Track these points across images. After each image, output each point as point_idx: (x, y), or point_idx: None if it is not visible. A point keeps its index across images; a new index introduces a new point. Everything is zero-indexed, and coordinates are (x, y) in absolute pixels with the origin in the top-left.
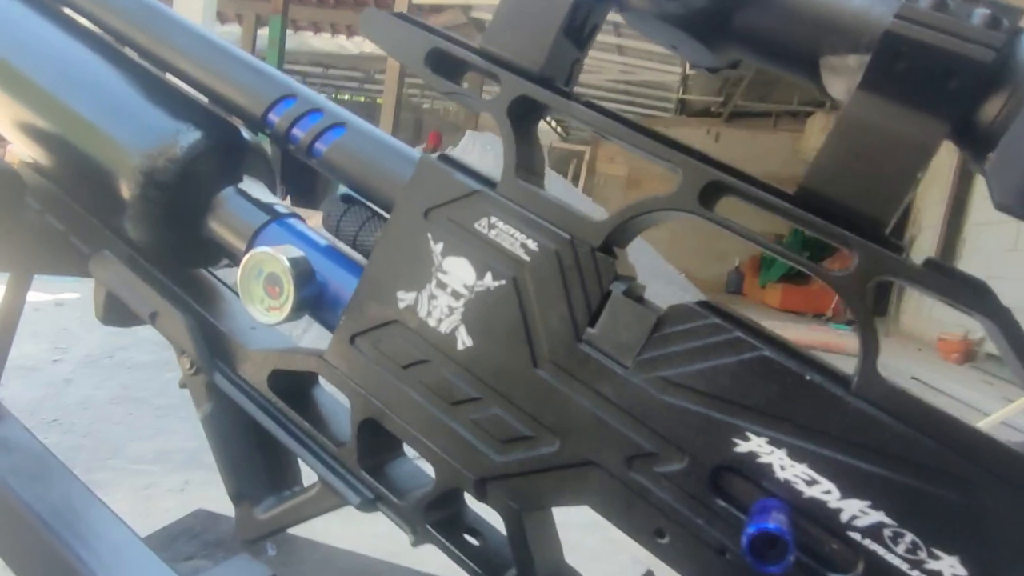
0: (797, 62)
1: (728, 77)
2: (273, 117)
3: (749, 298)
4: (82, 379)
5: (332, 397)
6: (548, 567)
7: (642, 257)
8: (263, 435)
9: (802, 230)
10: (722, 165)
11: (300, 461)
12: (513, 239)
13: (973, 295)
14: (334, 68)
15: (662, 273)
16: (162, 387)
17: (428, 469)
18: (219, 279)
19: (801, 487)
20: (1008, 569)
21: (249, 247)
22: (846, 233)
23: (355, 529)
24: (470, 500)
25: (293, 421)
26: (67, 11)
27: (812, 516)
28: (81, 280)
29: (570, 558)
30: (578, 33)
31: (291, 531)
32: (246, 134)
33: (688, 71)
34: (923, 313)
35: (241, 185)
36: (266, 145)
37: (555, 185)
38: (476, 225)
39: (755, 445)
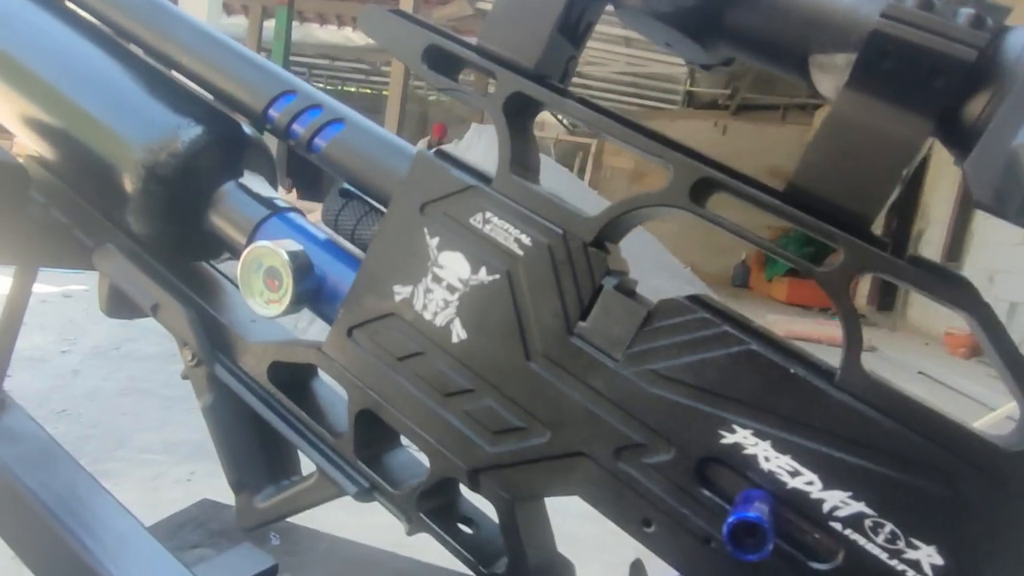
0: (787, 60)
1: (734, 70)
2: (273, 113)
3: (755, 291)
4: (90, 370)
5: (330, 389)
6: (540, 556)
7: (648, 251)
8: (263, 426)
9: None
10: (713, 162)
11: (299, 451)
12: (507, 234)
13: (955, 290)
14: (340, 60)
15: (668, 267)
16: (169, 378)
17: (424, 460)
18: (220, 272)
19: (785, 478)
20: (983, 558)
21: (249, 241)
22: (832, 229)
23: (358, 519)
24: (465, 490)
25: (292, 412)
26: (71, 6)
27: (795, 506)
28: (88, 272)
29: (572, 549)
30: (573, 30)
31: (294, 521)
32: (247, 129)
33: None
34: (930, 307)
35: (242, 180)
36: (271, 141)
37: (560, 179)
38: (471, 220)
39: (741, 437)
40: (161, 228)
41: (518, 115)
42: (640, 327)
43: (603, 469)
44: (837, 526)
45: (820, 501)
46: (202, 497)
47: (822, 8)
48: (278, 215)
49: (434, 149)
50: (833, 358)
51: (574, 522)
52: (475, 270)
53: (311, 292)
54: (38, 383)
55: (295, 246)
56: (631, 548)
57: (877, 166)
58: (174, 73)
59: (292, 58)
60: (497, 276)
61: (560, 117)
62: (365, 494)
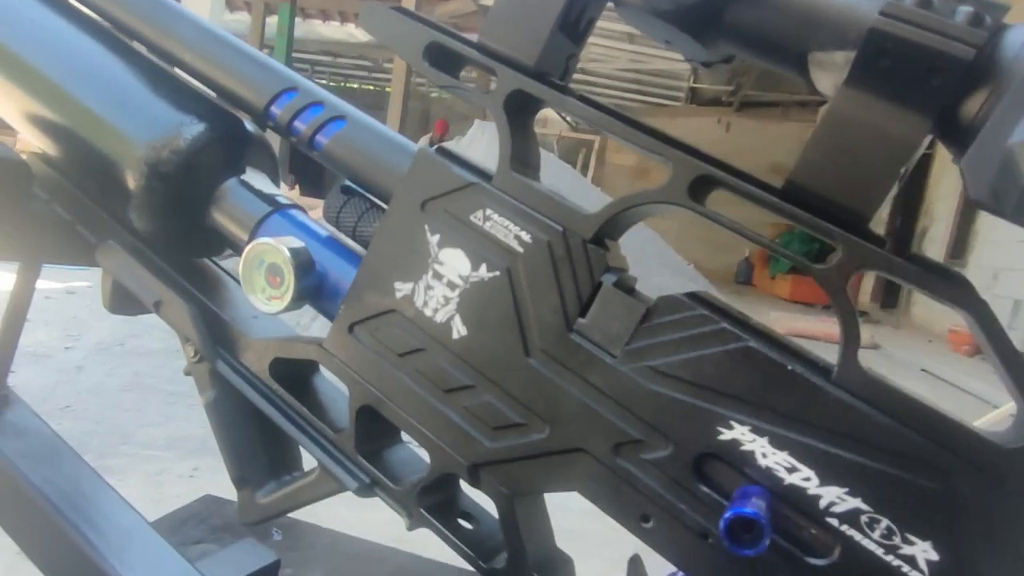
0: (786, 57)
1: (738, 67)
2: (275, 110)
3: (759, 289)
4: (93, 366)
5: (332, 385)
6: (539, 551)
7: (651, 247)
8: (265, 421)
9: None
10: (711, 159)
11: (301, 447)
12: (507, 231)
13: (953, 288)
14: (343, 57)
15: (671, 264)
16: (173, 374)
17: (424, 455)
18: (222, 268)
19: (782, 474)
20: (978, 553)
21: (251, 237)
22: (829, 226)
23: (360, 515)
24: (465, 486)
25: (293, 408)
26: (74, 3)
27: (792, 502)
28: (91, 269)
29: (573, 544)
30: (574, 28)
31: (297, 516)
32: (249, 126)
33: None
34: (934, 305)
35: (244, 176)
36: (274, 138)
37: (563, 175)
38: (472, 217)
39: (738, 433)
40: (163, 225)
41: (519, 112)
42: (639, 324)
43: (602, 465)
44: (833, 522)
45: (817, 497)
46: (205, 493)
47: (820, 6)
48: (280, 212)
49: (435, 146)
50: (836, 355)
51: (576, 518)
52: (475, 267)
53: (312, 289)
54: (42, 379)
55: (297, 243)
56: (631, 544)
57: (875, 164)
58: (176, 70)
59: (294, 55)
60: (497, 273)
61: (563, 114)
62: (366, 489)
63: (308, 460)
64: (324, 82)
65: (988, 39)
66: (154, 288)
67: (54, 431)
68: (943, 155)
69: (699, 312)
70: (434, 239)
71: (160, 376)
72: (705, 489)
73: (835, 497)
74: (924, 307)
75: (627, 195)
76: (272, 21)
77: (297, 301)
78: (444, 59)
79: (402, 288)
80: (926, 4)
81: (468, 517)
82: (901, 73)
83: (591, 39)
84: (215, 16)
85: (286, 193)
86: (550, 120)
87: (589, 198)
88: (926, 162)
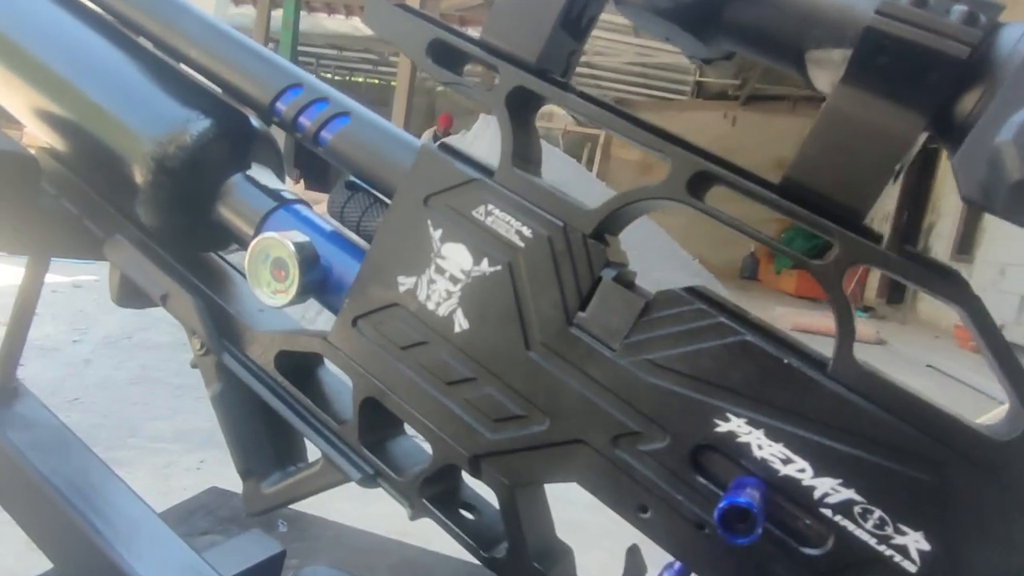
0: (785, 55)
1: (743, 61)
2: (280, 106)
3: (764, 284)
4: (101, 359)
5: (336, 377)
6: (539, 541)
7: (655, 242)
8: (270, 413)
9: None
10: (711, 155)
11: (305, 439)
12: (509, 226)
13: (947, 283)
14: (348, 50)
15: (675, 258)
16: (180, 367)
17: (426, 447)
18: (228, 262)
19: (777, 465)
20: (970, 544)
21: (257, 232)
22: (826, 222)
23: (365, 508)
24: (467, 477)
25: (298, 400)
26: None
27: (787, 493)
28: (98, 263)
29: (576, 536)
30: (575, 25)
31: (303, 509)
32: (254, 122)
33: None
34: (940, 301)
35: (249, 172)
36: (279, 132)
37: (567, 170)
38: (474, 212)
39: (735, 425)
40: (170, 219)
41: (520, 109)
42: (638, 318)
43: (600, 456)
44: (827, 512)
45: (811, 488)
46: (212, 485)
47: (818, 4)
48: (285, 207)
49: (438, 142)
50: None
51: (578, 511)
52: (477, 261)
53: (317, 283)
54: (50, 372)
55: (301, 237)
56: (633, 537)
57: (871, 161)
58: (182, 66)
59: (300, 48)
60: (499, 267)
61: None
62: (369, 480)
63: (313, 451)
64: (329, 76)
65: (983, 38)
66: (161, 282)
67: (63, 423)
68: None
69: (697, 306)
70: (437, 234)
71: (167, 369)
72: (702, 480)
73: (829, 488)
74: (930, 303)
75: (627, 191)
76: (277, 14)
77: (302, 295)
78: (447, 56)
79: (405, 282)
80: (921, 3)
81: (469, 508)
82: (897, 71)
83: (596, 32)
84: (220, 10)
85: (290, 187)
86: (555, 115)
87: (593, 193)
88: (933, 157)
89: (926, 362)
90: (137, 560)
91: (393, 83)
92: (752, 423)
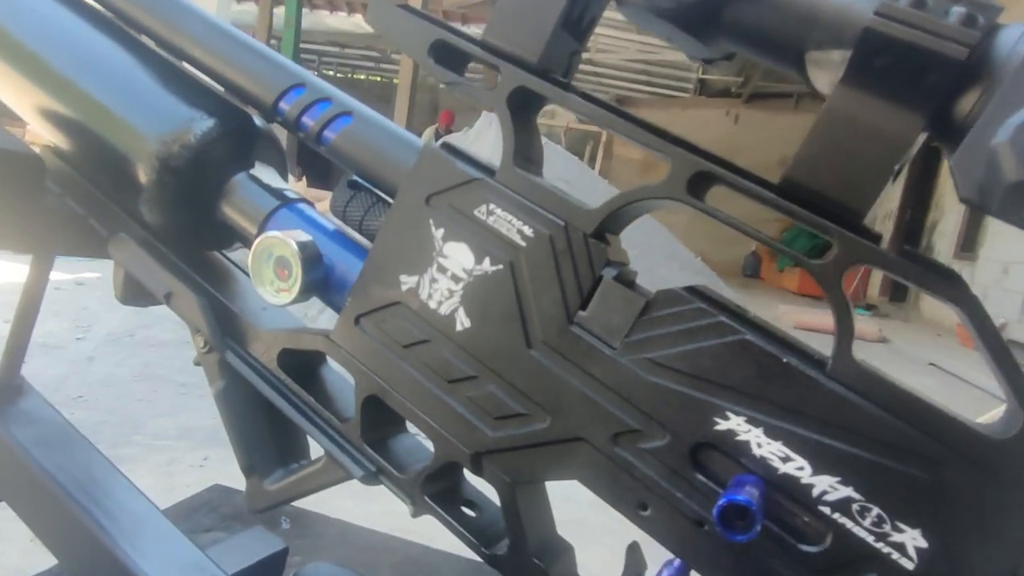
0: (785, 56)
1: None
2: (284, 105)
3: (767, 282)
4: (104, 357)
5: (338, 375)
6: (540, 538)
7: (658, 240)
8: (273, 411)
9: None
10: (710, 155)
11: (308, 436)
12: (510, 225)
13: (944, 283)
14: (350, 47)
15: (678, 256)
16: (183, 365)
17: (428, 444)
18: (231, 261)
19: (776, 463)
20: (967, 541)
21: (260, 231)
22: (825, 222)
23: (367, 506)
24: (468, 475)
25: (301, 398)
26: None
27: (785, 491)
28: (101, 260)
29: (580, 535)
30: (576, 25)
31: (306, 507)
32: (258, 121)
33: None
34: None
35: (253, 171)
36: (280, 130)
37: (570, 167)
38: (475, 212)
39: (734, 424)
40: (174, 218)
41: (522, 109)
42: (638, 316)
43: (601, 454)
44: (826, 510)
45: (810, 486)
46: (215, 482)
47: (817, 5)
48: (288, 206)
49: (440, 142)
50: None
51: (582, 510)
52: (479, 260)
53: (320, 281)
54: (53, 369)
55: (304, 236)
56: (636, 536)
57: (870, 161)
58: (185, 65)
59: (302, 45)
60: (500, 266)
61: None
62: (371, 477)
63: (315, 449)
64: (331, 73)
65: (981, 39)
66: (165, 280)
67: (67, 420)
68: None
69: (697, 305)
70: (439, 233)
71: (170, 367)
72: (701, 478)
73: (827, 486)
74: (933, 301)
75: (627, 191)
76: (279, 12)
77: (305, 293)
78: (449, 56)
79: (407, 281)
80: (920, 4)
81: (471, 505)
82: (895, 72)
83: (599, 28)
84: (222, 7)
85: (293, 185)
86: (558, 112)
87: (596, 190)
88: (937, 155)
89: (929, 360)
90: (141, 556)
91: (395, 80)
92: (751, 421)
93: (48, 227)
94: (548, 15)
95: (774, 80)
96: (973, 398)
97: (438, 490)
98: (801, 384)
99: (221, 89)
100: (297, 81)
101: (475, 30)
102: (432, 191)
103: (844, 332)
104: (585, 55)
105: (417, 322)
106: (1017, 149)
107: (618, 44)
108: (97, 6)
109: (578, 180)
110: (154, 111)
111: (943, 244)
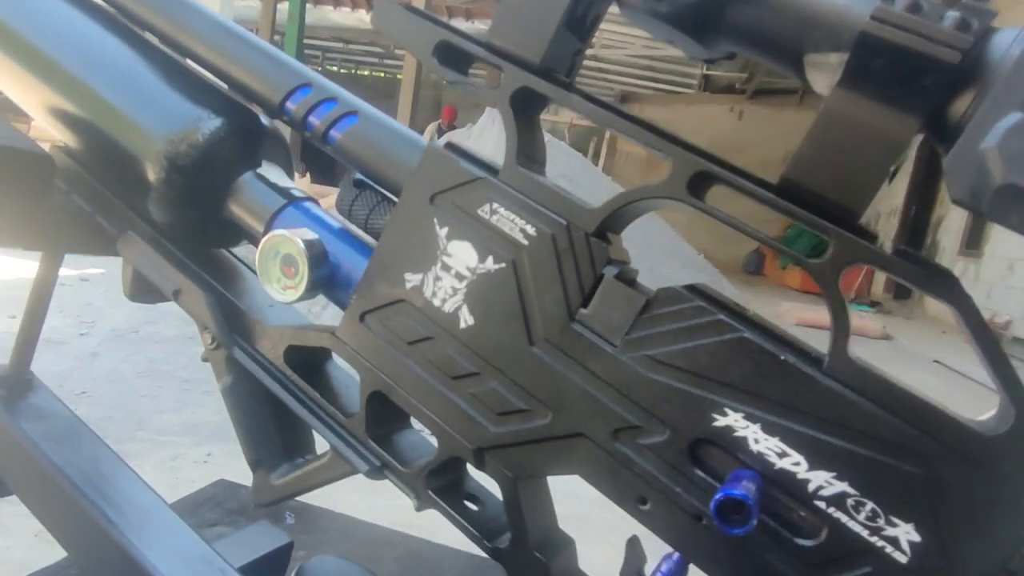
0: (783, 57)
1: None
2: (290, 105)
3: (770, 279)
4: (109, 353)
5: (343, 371)
6: (541, 531)
7: (661, 238)
8: (279, 406)
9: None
10: (711, 156)
11: (313, 431)
12: (513, 224)
13: (939, 282)
14: (354, 43)
15: (680, 254)
16: (187, 361)
17: (432, 440)
18: (239, 259)
19: (773, 459)
20: (959, 535)
21: (267, 229)
22: (822, 222)
23: (372, 500)
24: (471, 469)
25: (307, 393)
26: None
27: (782, 486)
28: (104, 256)
29: (583, 531)
30: (579, 25)
31: (310, 501)
32: (264, 120)
33: None
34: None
35: (260, 170)
36: (284, 127)
37: (573, 164)
38: (479, 210)
39: (732, 420)
40: (182, 216)
41: (525, 109)
42: (638, 314)
43: (601, 449)
44: (821, 504)
45: (806, 481)
46: (219, 478)
47: (815, 8)
48: (294, 204)
49: (445, 142)
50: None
51: (585, 506)
52: (482, 259)
53: (326, 279)
54: (58, 365)
55: (311, 235)
56: (637, 532)
57: (866, 161)
58: (192, 64)
59: (306, 41)
60: (503, 265)
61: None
62: (376, 472)
63: (321, 444)
64: (335, 69)
65: (974, 43)
66: (173, 277)
67: (75, 415)
68: None
69: (696, 304)
70: (443, 232)
71: (175, 363)
72: (700, 473)
73: (823, 481)
74: None
75: (628, 190)
76: (283, 7)
77: (311, 291)
78: (453, 57)
79: (412, 279)
80: (915, 8)
81: (474, 499)
82: (891, 75)
83: (603, 24)
84: (226, 3)
85: (296, 181)
86: (562, 108)
87: (599, 187)
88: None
89: (933, 357)
90: (149, 549)
91: (399, 76)
92: (749, 418)
93: (57, 225)
94: (551, 15)
95: (778, 76)
96: (977, 395)
97: (441, 484)
98: (798, 381)
99: (226, 88)
100: (303, 81)
101: (479, 25)
102: (436, 190)
103: (840, 329)
104: (590, 51)
105: (421, 319)
106: (1005, 153)
107: (623, 40)
108: (104, 5)
109: (581, 177)
110: (162, 110)
111: (948, 240)
